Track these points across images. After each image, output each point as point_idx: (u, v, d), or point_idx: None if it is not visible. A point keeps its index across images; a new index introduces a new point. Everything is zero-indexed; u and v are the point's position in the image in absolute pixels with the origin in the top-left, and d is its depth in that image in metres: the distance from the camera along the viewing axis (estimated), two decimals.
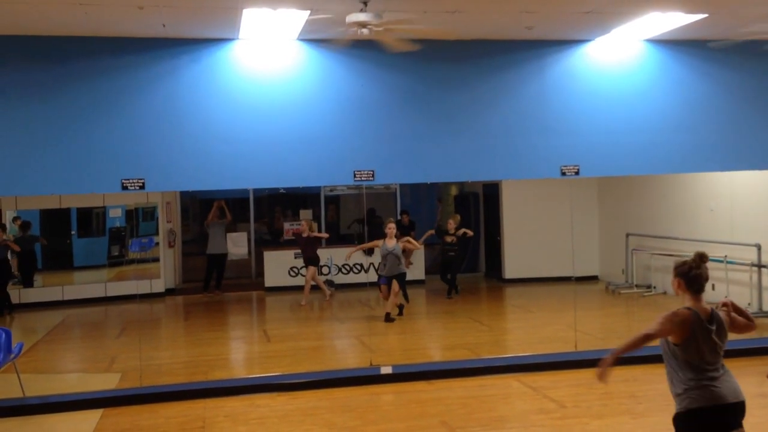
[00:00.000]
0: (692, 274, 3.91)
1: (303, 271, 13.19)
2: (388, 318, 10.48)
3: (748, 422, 6.11)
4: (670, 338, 3.85)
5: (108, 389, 7.46)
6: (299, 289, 13.92)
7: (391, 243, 10.66)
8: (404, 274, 10.80)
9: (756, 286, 10.04)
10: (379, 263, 10.82)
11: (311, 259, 12.44)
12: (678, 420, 3.89)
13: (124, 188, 7.15)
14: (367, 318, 11.45)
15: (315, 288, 12.64)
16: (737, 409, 3.94)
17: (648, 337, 3.80)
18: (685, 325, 3.79)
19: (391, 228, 10.71)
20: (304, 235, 12.41)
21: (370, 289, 13.45)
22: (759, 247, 9.82)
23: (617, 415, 6.42)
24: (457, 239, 12.61)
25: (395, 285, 10.58)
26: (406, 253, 14.43)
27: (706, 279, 3.97)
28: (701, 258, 3.96)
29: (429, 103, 7.86)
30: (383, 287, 10.86)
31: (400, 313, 10.80)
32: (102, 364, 8.81)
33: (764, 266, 9.82)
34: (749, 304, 10.15)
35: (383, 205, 16.08)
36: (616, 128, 8.14)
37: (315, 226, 12.84)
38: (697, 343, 3.80)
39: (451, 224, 12.59)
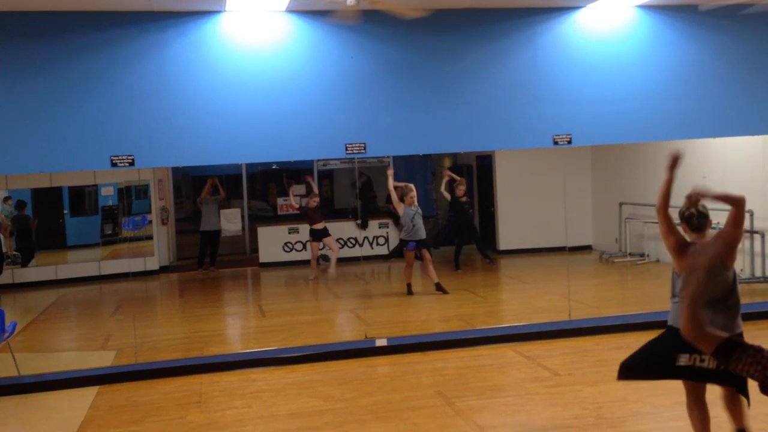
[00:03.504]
0: (687, 214, 4.55)
1: (296, 246, 13.12)
2: (440, 287, 10.41)
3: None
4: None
5: (103, 366, 7.48)
6: (294, 264, 13.95)
7: (412, 205, 10.50)
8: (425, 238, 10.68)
9: (749, 252, 10.08)
10: (403, 229, 10.70)
11: (324, 231, 12.26)
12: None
13: (114, 165, 7.09)
14: (362, 291, 11.47)
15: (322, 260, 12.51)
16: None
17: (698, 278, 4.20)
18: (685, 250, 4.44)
19: (412, 196, 10.56)
20: (313, 206, 12.24)
21: (364, 263, 13.47)
22: (752, 214, 9.83)
23: (611, 382, 6.44)
24: (469, 201, 12.59)
25: (426, 254, 10.51)
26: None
27: (703, 216, 4.54)
28: (688, 198, 4.59)
29: (420, 74, 7.79)
30: (409, 253, 10.56)
31: (443, 290, 10.50)
32: (97, 341, 8.82)
33: (756, 232, 9.85)
34: (741, 270, 10.20)
35: (377, 178, 16.04)
36: (608, 96, 8.09)
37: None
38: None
39: (461, 189, 12.49)
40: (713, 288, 4.37)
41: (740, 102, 8.35)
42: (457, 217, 12.59)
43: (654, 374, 4.69)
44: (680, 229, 4.60)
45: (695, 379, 4.49)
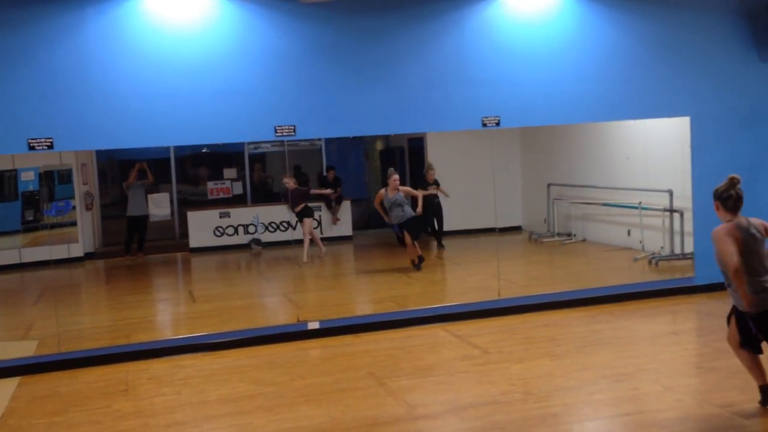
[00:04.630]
0: (725, 195, 4.78)
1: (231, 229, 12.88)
2: (417, 265, 10.66)
3: (659, 359, 6.44)
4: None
5: (25, 356, 7.22)
6: (225, 249, 13.75)
7: (393, 193, 10.72)
8: (413, 218, 10.87)
9: (668, 230, 10.47)
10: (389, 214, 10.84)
11: (304, 212, 12.12)
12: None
13: (31, 148, 6.81)
14: (294, 275, 11.41)
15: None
16: None
17: (736, 268, 4.59)
18: (733, 233, 4.66)
19: (395, 179, 10.72)
20: (291, 188, 12.04)
21: (296, 246, 13.38)
22: (671, 193, 10.20)
23: (537, 358, 6.63)
24: (437, 188, 12.77)
25: (408, 236, 10.72)
26: (335, 208, 14.41)
27: (739, 198, 4.78)
28: (731, 180, 4.79)
29: (349, 55, 7.74)
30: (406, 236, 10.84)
31: (418, 267, 10.73)
32: (18, 331, 8.51)
33: (676, 211, 10.23)
34: (662, 247, 10.59)
35: (309, 161, 15.93)
36: (536, 79, 8.23)
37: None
38: (748, 247, 4.68)
39: (432, 174, 12.67)
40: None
41: (660, 85, 8.62)
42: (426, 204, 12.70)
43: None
44: (715, 205, 4.90)
45: None
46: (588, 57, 8.43)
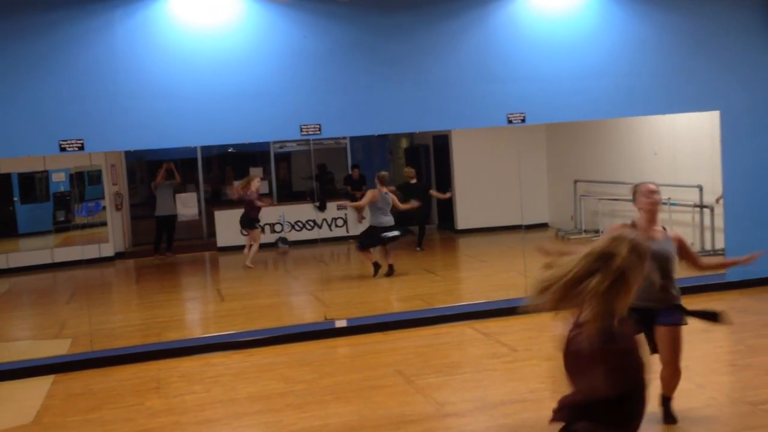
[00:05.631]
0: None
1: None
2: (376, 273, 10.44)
3: (691, 357, 6.35)
4: None
5: (59, 355, 7.35)
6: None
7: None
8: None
9: (698, 226, 10.34)
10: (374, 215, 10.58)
11: (256, 220, 12.16)
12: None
13: (62, 150, 6.92)
14: (321, 273, 11.46)
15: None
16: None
17: None
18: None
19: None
20: (250, 197, 12.02)
21: (322, 245, 13.43)
22: (701, 188, 10.07)
23: None
24: (421, 188, 12.64)
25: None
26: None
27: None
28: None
29: (374, 53, 7.75)
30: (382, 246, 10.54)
31: (376, 274, 10.48)
32: (52, 330, 8.66)
33: (706, 207, 10.10)
34: (692, 243, 10.45)
35: (334, 160, 15.98)
36: (561, 74, 8.17)
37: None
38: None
39: (410, 173, 12.55)
40: None
41: (689, 78, 8.51)
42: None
43: None
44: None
45: None
46: (614, 51, 8.35)
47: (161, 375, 6.76)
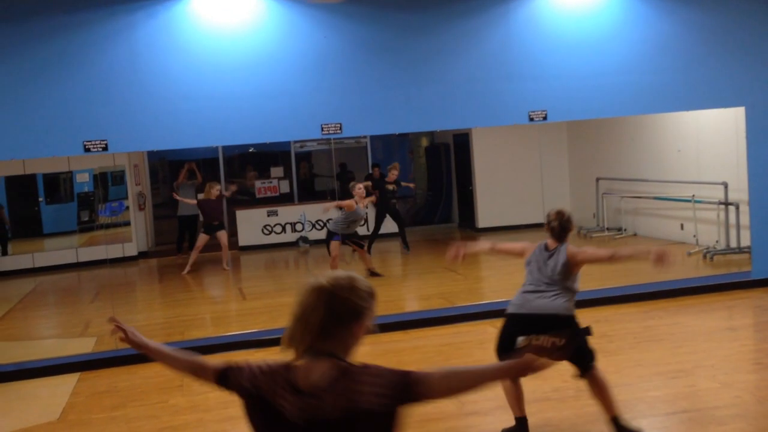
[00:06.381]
0: (550, 226, 4.94)
1: (270, 229, 12.94)
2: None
3: (715, 355, 6.29)
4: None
5: (84, 353, 7.44)
6: (273, 247, 13.92)
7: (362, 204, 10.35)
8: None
9: (723, 223, 10.21)
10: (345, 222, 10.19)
11: (222, 224, 12.13)
12: None
13: (87, 150, 7.00)
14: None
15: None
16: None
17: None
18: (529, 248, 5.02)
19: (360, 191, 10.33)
20: (215, 197, 11.98)
21: (343, 244, 13.45)
22: (726, 185, 9.96)
23: None
24: (397, 187, 12.47)
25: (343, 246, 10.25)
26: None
27: (561, 228, 4.91)
28: (557, 214, 4.96)
29: (394, 52, 7.75)
30: (336, 244, 10.20)
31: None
32: (77, 328, 8.76)
33: (731, 204, 9.98)
34: (717, 241, 10.34)
35: (355, 159, 16.00)
36: (583, 71, 8.11)
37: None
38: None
39: (394, 174, 12.42)
40: None
41: (712, 74, 8.41)
42: (384, 201, 12.36)
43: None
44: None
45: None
46: (637, 47, 8.27)
47: None
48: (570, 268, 4.77)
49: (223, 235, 12.01)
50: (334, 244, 10.13)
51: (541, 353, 3.24)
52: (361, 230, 12.77)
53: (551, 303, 4.71)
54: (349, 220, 10.14)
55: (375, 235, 12.44)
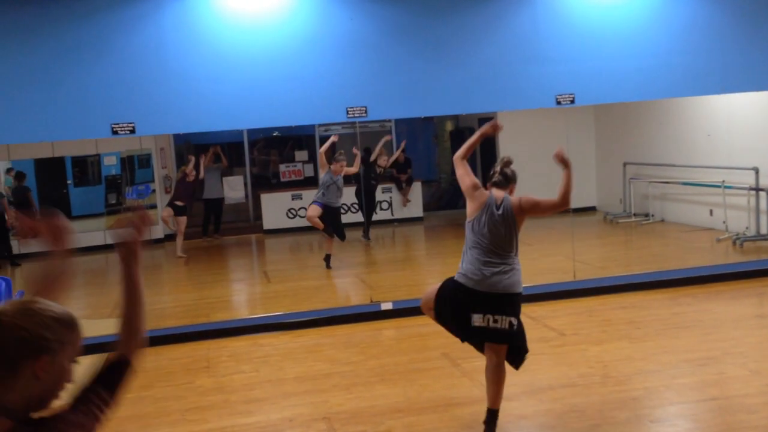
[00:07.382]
0: (493, 181, 4.92)
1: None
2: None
3: (745, 343, 6.21)
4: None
5: (112, 334, 7.51)
6: (298, 230, 13.96)
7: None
8: (339, 209, 10.35)
9: (754, 209, 10.04)
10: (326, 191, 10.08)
11: (185, 208, 12.06)
12: None
13: (115, 133, 7.05)
14: (366, 256, 11.49)
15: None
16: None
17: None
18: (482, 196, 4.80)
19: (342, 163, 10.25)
20: (190, 179, 11.96)
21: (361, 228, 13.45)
22: (757, 171, 9.78)
23: (616, 341, 6.49)
24: (384, 171, 12.35)
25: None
26: (405, 189, 14.39)
27: (504, 177, 4.95)
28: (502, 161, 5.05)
29: (420, 34, 7.69)
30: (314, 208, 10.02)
31: (328, 266, 10.23)
32: (104, 310, 8.85)
33: (762, 189, 9.80)
34: (747, 227, 10.17)
35: (377, 143, 15.92)
36: (611, 54, 7.98)
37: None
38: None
39: (384, 159, 12.47)
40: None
41: (744, 57, 8.23)
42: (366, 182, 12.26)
43: (456, 334, 4.83)
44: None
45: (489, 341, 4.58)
46: (666, 30, 8.11)
47: (211, 354, 6.87)
48: (517, 219, 4.79)
49: (182, 221, 11.93)
50: (312, 208, 10.00)
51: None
52: (355, 218, 12.81)
53: (509, 281, 4.62)
54: (327, 185, 10.01)
55: (369, 221, 12.33)
